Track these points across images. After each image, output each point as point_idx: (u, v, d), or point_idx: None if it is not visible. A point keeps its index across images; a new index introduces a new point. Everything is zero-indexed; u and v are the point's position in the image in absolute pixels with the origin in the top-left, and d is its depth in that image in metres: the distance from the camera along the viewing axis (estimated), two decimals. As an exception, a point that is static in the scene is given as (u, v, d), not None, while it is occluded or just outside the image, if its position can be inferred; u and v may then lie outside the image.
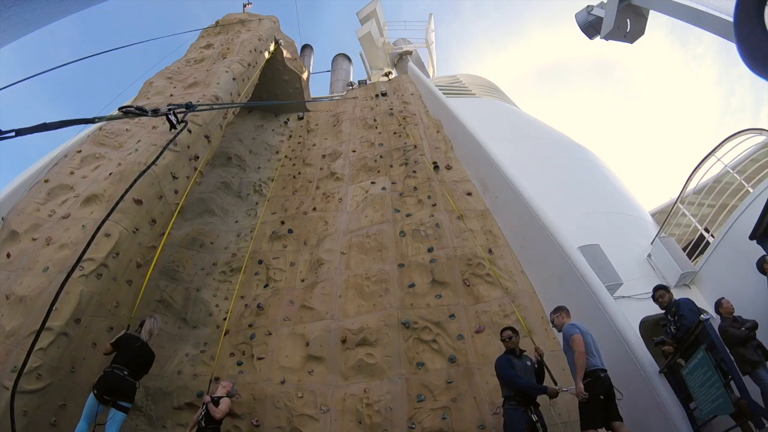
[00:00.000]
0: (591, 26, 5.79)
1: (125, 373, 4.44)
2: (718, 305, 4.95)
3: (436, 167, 9.04)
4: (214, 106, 7.87)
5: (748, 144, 8.23)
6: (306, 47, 25.64)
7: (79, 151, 7.47)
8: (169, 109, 3.43)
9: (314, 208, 9.09)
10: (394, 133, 10.83)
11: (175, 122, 3.52)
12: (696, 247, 8.51)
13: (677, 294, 7.23)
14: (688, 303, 4.83)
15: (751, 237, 4.77)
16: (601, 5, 5.57)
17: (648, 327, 6.42)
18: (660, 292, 5.09)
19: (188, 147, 7.41)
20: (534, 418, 4.03)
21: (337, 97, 14.94)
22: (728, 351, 3.63)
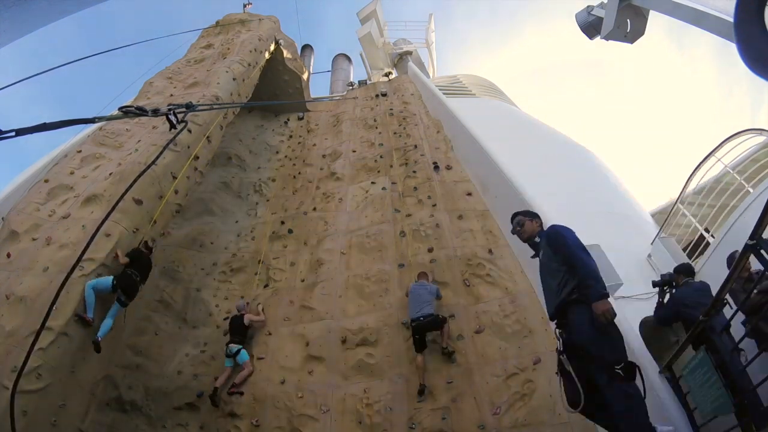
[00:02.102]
0: (591, 26, 5.78)
1: (138, 278, 5.69)
2: (731, 260, 4.64)
3: (436, 167, 9.04)
4: (214, 106, 7.87)
5: (748, 144, 8.23)
6: (306, 47, 25.64)
7: (80, 151, 7.48)
8: (169, 109, 3.42)
9: (314, 208, 9.09)
10: (394, 133, 10.83)
11: (175, 122, 3.52)
12: (696, 247, 8.50)
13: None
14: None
15: (751, 237, 4.76)
16: (601, 5, 5.57)
17: (648, 327, 6.41)
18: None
19: (188, 147, 7.41)
20: None
21: (337, 97, 14.94)
22: (730, 349, 3.61)
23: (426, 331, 5.74)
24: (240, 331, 6.52)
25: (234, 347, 6.32)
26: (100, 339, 5.14)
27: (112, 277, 5.43)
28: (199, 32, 12.72)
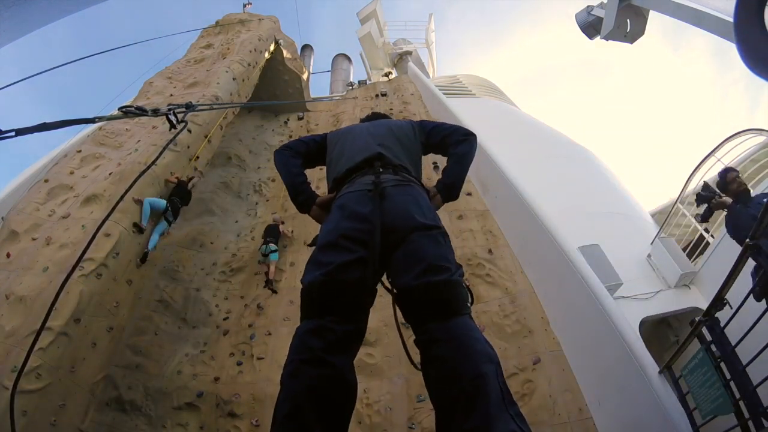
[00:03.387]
0: (591, 26, 5.79)
1: (178, 202, 6.96)
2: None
3: (435, 167, 9.04)
4: (214, 106, 7.87)
5: (747, 144, 8.23)
6: (306, 47, 25.63)
7: (79, 151, 7.48)
8: (169, 109, 3.41)
9: (314, 208, 9.07)
10: (394, 133, 10.83)
11: (174, 122, 3.50)
12: (696, 247, 8.50)
13: (676, 293, 7.21)
14: None
15: (751, 237, 4.76)
16: (601, 5, 5.58)
17: (648, 327, 6.42)
18: (732, 174, 4.14)
19: (188, 147, 7.43)
20: None
21: (337, 97, 14.93)
22: (729, 348, 3.61)
23: None
24: (274, 235, 8.02)
25: (272, 245, 7.85)
26: (149, 250, 6.50)
27: (165, 201, 6.72)
28: (198, 32, 12.71)
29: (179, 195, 7.05)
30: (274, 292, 7.46)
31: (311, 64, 24.29)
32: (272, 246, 7.84)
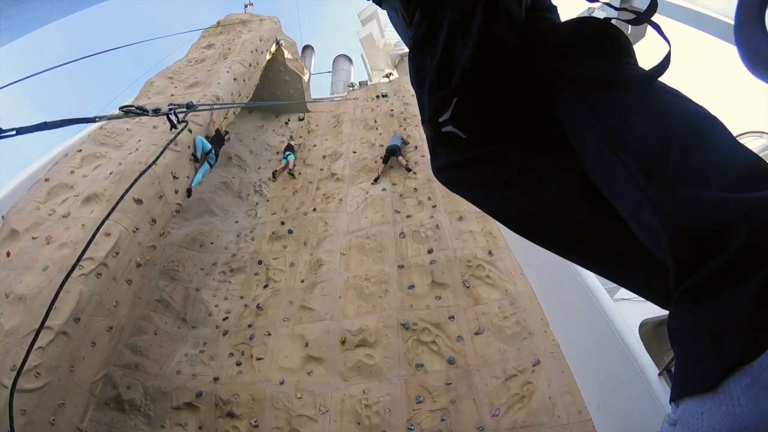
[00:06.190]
0: (592, 28, 5.79)
1: (217, 148, 8.37)
2: None
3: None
4: (215, 106, 7.89)
5: (749, 147, 8.22)
6: (307, 48, 25.60)
7: (80, 150, 7.47)
8: (170, 109, 3.42)
9: (314, 209, 9.10)
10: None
11: (175, 122, 3.51)
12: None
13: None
14: None
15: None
16: (602, 7, 5.58)
17: (648, 329, 6.40)
18: None
19: (188, 147, 7.44)
20: None
21: (337, 98, 14.94)
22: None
23: (392, 154, 9.38)
24: (291, 149, 10.88)
25: (290, 153, 10.72)
26: (193, 187, 7.62)
27: (210, 145, 7.98)
28: (199, 32, 12.72)
29: (217, 143, 8.40)
30: (292, 176, 10.29)
31: (312, 64, 24.27)
32: (290, 153, 10.67)
